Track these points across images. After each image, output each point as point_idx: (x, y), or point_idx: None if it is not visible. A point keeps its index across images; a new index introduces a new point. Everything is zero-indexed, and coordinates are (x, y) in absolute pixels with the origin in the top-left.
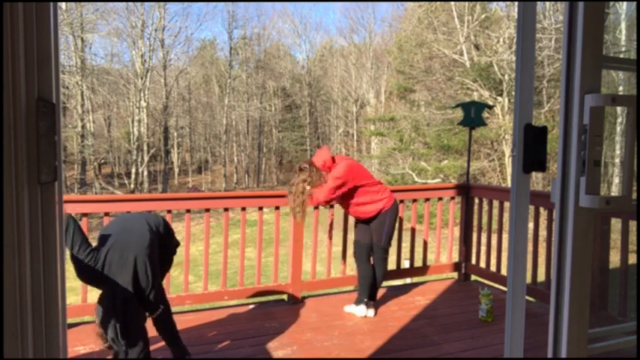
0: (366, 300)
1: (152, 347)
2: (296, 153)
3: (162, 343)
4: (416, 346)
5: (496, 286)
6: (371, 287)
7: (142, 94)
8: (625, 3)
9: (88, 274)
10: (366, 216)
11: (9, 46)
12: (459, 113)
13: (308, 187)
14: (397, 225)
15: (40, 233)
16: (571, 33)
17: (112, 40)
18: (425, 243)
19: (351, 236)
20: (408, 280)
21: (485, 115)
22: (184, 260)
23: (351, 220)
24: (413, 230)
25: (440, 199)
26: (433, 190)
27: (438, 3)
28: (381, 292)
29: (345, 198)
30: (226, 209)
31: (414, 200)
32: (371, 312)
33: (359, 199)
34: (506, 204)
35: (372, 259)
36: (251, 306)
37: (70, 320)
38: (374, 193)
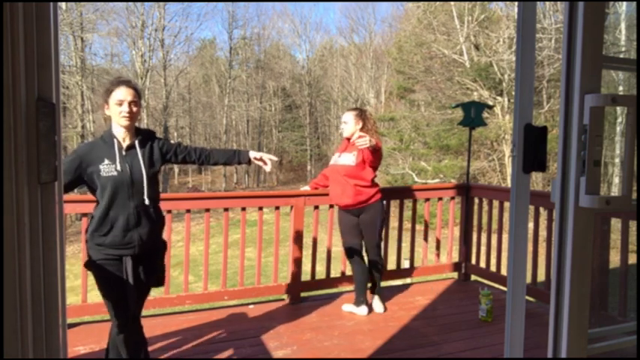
0: (376, 296)
1: (151, 348)
2: (296, 153)
3: (162, 343)
4: (416, 346)
5: (496, 286)
6: (374, 282)
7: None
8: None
9: None
10: (361, 199)
11: (9, 46)
12: (459, 113)
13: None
14: (397, 225)
15: (40, 233)
16: (571, 33)
17: (112, 40)
18: (425, 243)
19: None
20: (408, 280)
21: (485, 115)
22: (184, 260)
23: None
24: (413, 230)
25: (440, 199)
26: (433, 190)
27: (438, 3)
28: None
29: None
30: (226, 209)
31: (414, 200)
32: (380, 307)
33: (371, 176)
34: (506, 204)
35: (365, 257)
36: (251, 306)
37: (70, 320)
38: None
